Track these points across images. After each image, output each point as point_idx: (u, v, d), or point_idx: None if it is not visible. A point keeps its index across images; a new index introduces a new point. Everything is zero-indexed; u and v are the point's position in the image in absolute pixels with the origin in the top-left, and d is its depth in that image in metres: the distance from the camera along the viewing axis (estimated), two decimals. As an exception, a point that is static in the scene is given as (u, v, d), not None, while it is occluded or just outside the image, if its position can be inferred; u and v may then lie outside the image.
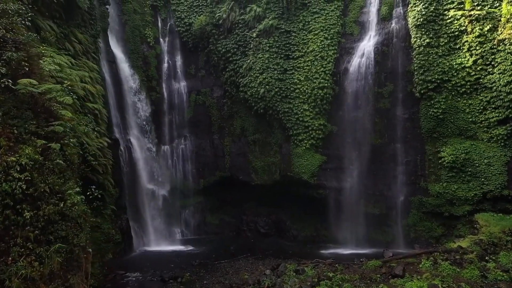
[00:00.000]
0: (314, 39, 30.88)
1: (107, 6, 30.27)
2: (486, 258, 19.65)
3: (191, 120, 35.19)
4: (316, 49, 30.61)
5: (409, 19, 28.40)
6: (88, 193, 13.30)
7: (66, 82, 13.83)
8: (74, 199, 11.12)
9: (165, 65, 35.19)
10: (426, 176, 28.02)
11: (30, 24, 19.00)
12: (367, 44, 29.95)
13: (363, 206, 29.95)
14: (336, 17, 30.95)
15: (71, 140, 12.30)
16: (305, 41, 31.21)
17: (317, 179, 30.35)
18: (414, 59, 27.96)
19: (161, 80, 34.67)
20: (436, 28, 27.48)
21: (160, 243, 30.08)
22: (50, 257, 10.07)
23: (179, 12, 35.24)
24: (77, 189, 11.45)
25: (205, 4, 34.82)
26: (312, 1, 31.48)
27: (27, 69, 11.63)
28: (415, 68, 27.83)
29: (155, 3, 35.05)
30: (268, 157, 32.49)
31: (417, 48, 27.76)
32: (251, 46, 32.40)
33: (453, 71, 26.85)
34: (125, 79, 30.82)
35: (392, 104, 29.11)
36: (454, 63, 26.82)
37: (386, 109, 29.26)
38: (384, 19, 29.95)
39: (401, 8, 29.38)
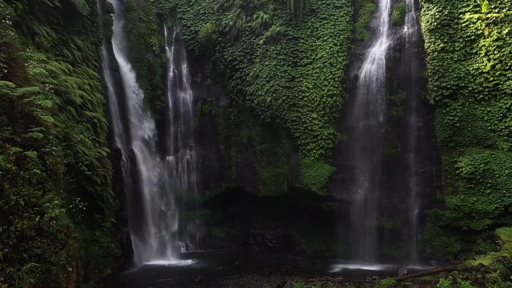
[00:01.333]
0: (323, 45, 29.88)
1: (111, 14, 29.78)
2: (511, 277, 18.00)
3: (197, 129, 34.31)
4: (325, 55, 29.59)
5: (422, 23, 27.27)
6: (71, 206, 12.27)
7: (49, 86, 12.89)
8: (52, 213, 10.09)
9: (171, 73, 34.49)
10: (443, 188, 26.52)
11: (26, 28, 18.47)
12: (378, 50, 28.84)
13: (375, 220, 28.55)
14: (346, 22, 29.96)
15: (54, 148, 11.31)
16: (313, 47, 30.23)
17: (327, 191, 29.07)
18: (428, 64, 26.74)
19: (166, 89, 33.94)
20: (451, 32, 26.27)
21: (163, 257, 28.99)
22: (22, 278, 9.02)
23: (185, 20, 34.66)
24: (56, 201, 10.43)
25: (211, 12, 34.20)
26: (321, 7, 30.58)
27: (5, 71, 10.76)
28: (429, 74, 26.59)
29: (161, 11, 34.55)
30: (276, 167, 31.34)
31: (431, 53, 26.57)
32: (258, 54, 31.53)
33: (470, 77, 25.54)
34: (129, 88, 30.11)
35: (405, 112, 27.85)
36: (471, 68, 25.51)
37: (399, 117, 27.99)
38: (395, 24, 28.83)
39: (413, 12, 28.28)
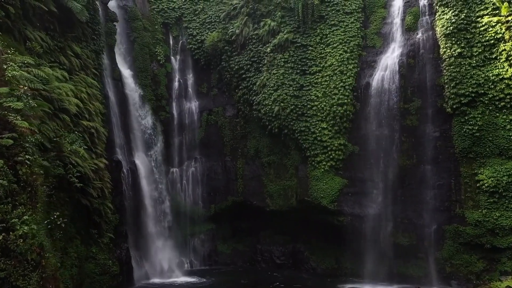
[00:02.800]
0: (333, 52, 28.75)
1: (115, 23, 29.12)
2: (543, 302, 16.22)
3: (203, 141, 33.20)
4: (335, 63, 28.42)
5: (437, 28, 25.97)
6: (47, 221, 11.06)
7: (23, 88, 11.79)
8: (21, 230, 8.88)
9: (176, 83, 33.60)
10: (462, 202, 24.78)
11: (18, 33, 17.66)
12: (391, 57, 27.59)
13: (390, 236, 26.92)
14: (356, 29, 28.84)
15: (29, 157, 10.16)
16: (322, 55, 29.11)
17: (338, 205, 27.60)
18: (444, 71, 25.34)
19: (171, 99, 33.02)
20: (468, 36, 24.88)
21: (165, 275, 27.66)
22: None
23: (191, 29, 33.91)
24: (26, 217, 9.21)
25: (217, 20, 33.43)
26: (330, 13, 29.54)
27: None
28: (446, 81, 25.16)
29: (167, 20, 33.87)
30: (284, 180, 29.98)
31: (448, 59, 25.20)
32: (265, 62, 30.51)
33: (490, 83, 24.04)
34: (132, 98, 29.23)
35: (420, 121, 26.40)
36: (491, 74, 24.02)
37: (414, 127, 26.55)
38: (409, 29, 27.57)
39: (427, 17, 27.01)
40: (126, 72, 29.91)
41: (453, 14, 25.15)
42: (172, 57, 33.99)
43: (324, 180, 27.88)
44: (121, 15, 31.05)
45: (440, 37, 25.70)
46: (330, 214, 28.16)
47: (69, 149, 16.08)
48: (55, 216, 11.65)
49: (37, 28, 18.90)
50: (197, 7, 34.13)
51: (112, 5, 29.94)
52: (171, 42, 34.18)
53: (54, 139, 15.49)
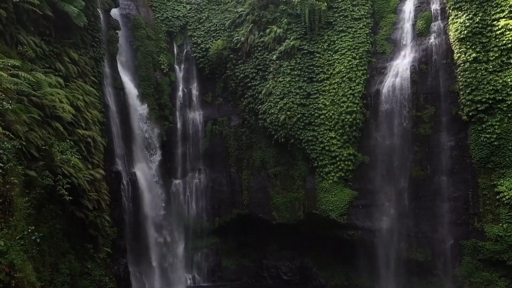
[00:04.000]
0: (341, 59, 27.76)
1: (117, 31, 28.46)
2: None
3: (207, 151, 32.17)
4: (343, 70, 27.40)
5: (450, 32, 24.88)
6: (19, 237, 9.97)
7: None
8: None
9: (180, 93, 32.76)
10: (481, 215, 23.33)
11: (9, 38, 16.93)
12: (402, 63, 26.54)
13: (403, 251, 25.65)
14: (365, 34, 27.89)
15: (1, 164, 9.15)
16: (330, 62, 28.14)
17: (347, 218, 26.36)
18: (459, 77, 24.17)
19: (175, 109, 32.14)
20: (483, 41, 23.72)
21: (166, 292, 26.43)
22: None
23: (195, 38, 33.20)
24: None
25: (222, 28, 32.71)
26: (338, 19, 28.66)
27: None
28: (461, 87, 23.99)
29: (171, 29, 33.19)
30: (291, 192, 28.79)
31: (462, 65, 24.06)
32: (271, 70, 29.60)
33: (508, 89, 22.86)
34: (133, 107, 28.39)
35: (434, 129, 25.23)
36: (509, 79, 22.86)
37: (427, 136, 25.36)
38: (420, 34, 26.50)
39: (440, 21, 26.00)
40: (128, 81, 29.12)
41: (467, 17, 24.04)
42: (176, 66, 33.25)
43: (333, 192, 26.69)
44: (124, 23, 30.49)
45: (454, 41, 24.57)
46: (339, 228, 26.94)
47: (58, 158, 15.08)
48: (30, 230, 10.52)
49: (31, 33, 18.15)
50: (202, 15, 33.52)
51: (115, 13, 29.35)
52: (175, 50, 33.47)
53: (43, 147, 14.53)
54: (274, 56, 29.42)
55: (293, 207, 28.67)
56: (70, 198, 15.33)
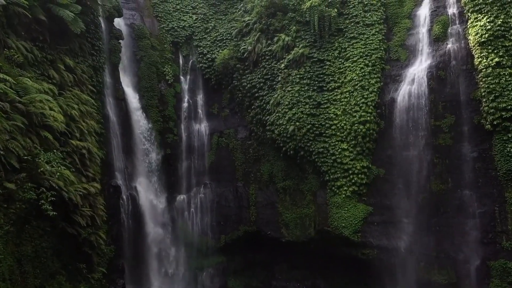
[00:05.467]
0: (353, 67, 26.42)
1: (120, 41, 27.63)
2: None
3: (212, 165, 30.82)
4: (355, 78, 26.01)
5: (470, 36, 23.41)
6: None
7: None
8: None
9: (185, 104, 31.64)
10: (510, 233, 21.41)
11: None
12: (418, 69, 25.06)
13: (424, 272, 23.80)
14: (378, 41, 26.58)
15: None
16: (341, 70, 26.81)
17: (362, 236, 24.70)
18: (481, 83, 22.54)
19: (180, 121, 30.99)
20: (507, 44, 22.28)
21: (168, 315, 24.76)
22: None
23: (201, 48, 32.29)
24: None
25: (229, 38, 31.75)
26: (349, 26, 27.46)
27: None
28: (483, 94, 22.32)
29: (177, 39, 32.34)
30: (301, 208, 27.20)
31: (484, 70, 22.45)
32: (279, 79, 28.32)
33: (536, 95, 20.97)
34: (136, 118, 27.37)
35: (454, 139, 23.55)
36: (536, 84, 20.98)
37: (447, 146, 23.69)
38: (437, 39, 25.08)
39: (458, 25, 24.56)
40: (131, 92, 28.19)
41: (488, 20, 22.56)
42: (181, 77, 32.25)
43: (346, 207, 25.03)
44: (128, 33, 29.80)
45: (474, 46, 23.04)
46: (353, 246, 25.23)
47: (45, 169, 13.79)
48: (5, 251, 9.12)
49: (22, 37, 17.21)
50: (209, 25, 32.69)
51: (118, 23, 28.65)
52: (180, 61, 32.54)
53: (25, 157, 13.27)
54: (282, 65, 28.18)
55: (303, 223, 27.01)
56: (55, 213, 13.95)
